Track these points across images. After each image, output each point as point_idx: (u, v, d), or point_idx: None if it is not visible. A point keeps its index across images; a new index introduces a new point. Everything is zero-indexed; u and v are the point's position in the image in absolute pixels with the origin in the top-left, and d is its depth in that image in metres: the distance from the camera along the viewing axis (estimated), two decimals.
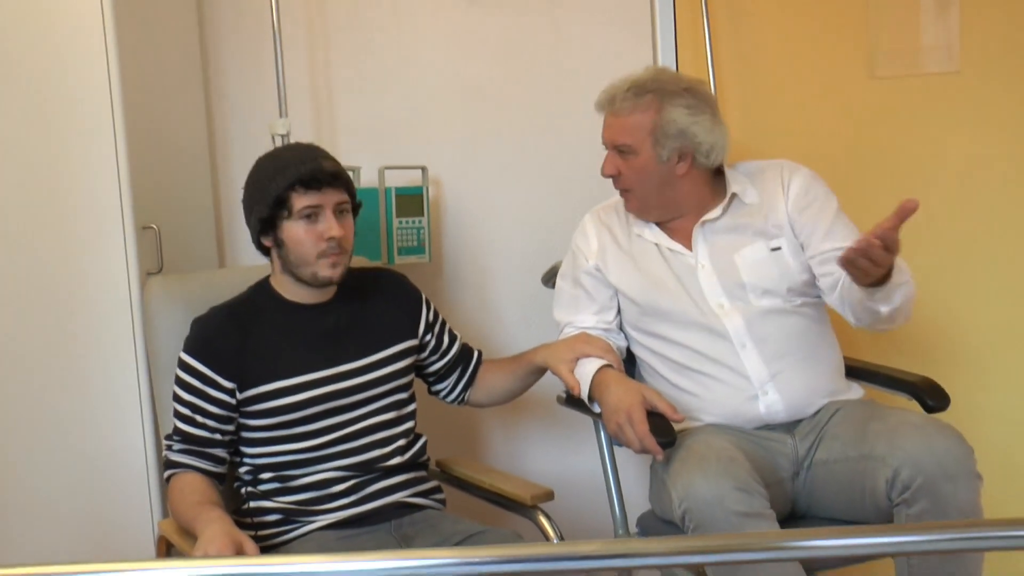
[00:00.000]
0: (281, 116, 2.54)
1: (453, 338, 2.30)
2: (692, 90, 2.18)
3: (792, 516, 2.14)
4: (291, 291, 2.10)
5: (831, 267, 2.13)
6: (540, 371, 2.27)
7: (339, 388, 2.06)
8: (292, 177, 1.98)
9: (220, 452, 2.04)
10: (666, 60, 2.72)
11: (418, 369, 2.26)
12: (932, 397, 2.14)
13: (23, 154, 2.20)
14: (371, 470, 2.08)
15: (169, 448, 2.04)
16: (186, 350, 2.04)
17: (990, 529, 1.48)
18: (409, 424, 2.18)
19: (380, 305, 2.18)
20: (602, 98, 2.22)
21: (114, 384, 2.24)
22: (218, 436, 2.02)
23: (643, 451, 2.02)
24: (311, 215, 1.99)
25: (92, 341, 2.25)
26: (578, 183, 2.63)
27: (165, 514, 2.24)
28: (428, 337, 2.24)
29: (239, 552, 1.81)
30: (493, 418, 2.82)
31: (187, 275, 2.33)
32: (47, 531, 2.28)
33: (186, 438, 2.02)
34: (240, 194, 2.12)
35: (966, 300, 2.81)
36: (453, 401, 2.34)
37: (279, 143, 2.48)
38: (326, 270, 2.02)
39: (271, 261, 2.10)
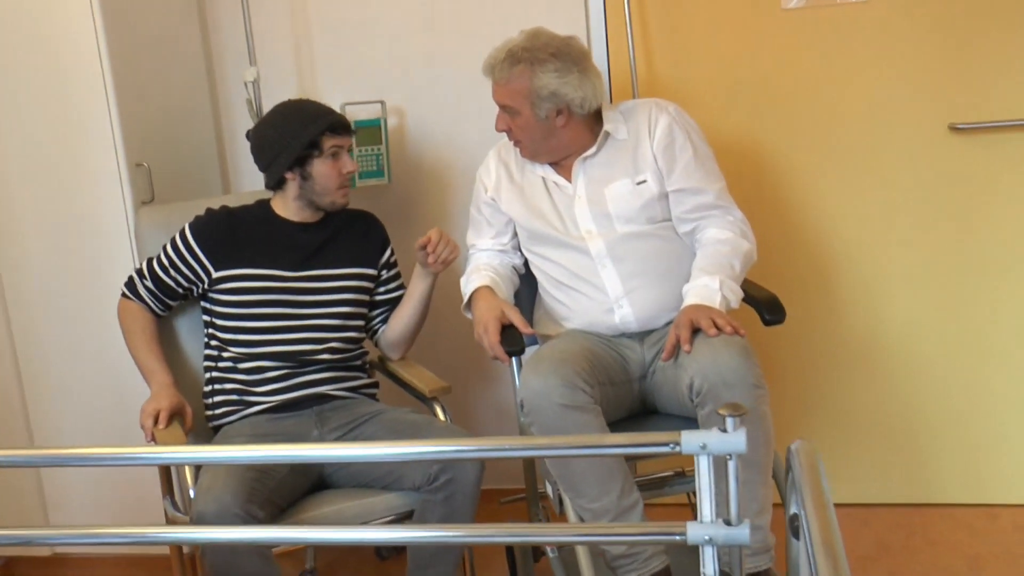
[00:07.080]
0: (251, 65, 2.89)
1: (400, 285, 2.69)
2: (559, 54, 2.39)
3: (644, 412, 2.48)
4: (290, 211, 2.58)
5: (685, 209, 2.46)
6: (426, 284, 2.61)
7: (293, 287, 2.53)
8: (325, 124, 2.49)
9: (171, 303, 2.58)
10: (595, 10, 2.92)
11: None
12: (770, 312, 2.38)
13: (40, 119, 2.75)
14: (298, 362, 2.53)
15: (140, 275, 2.56)
16: (189, 225, 2.56)
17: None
18: (351, 334, 2.59)
19: (352, 236, 2.63)
20: (484, 65, 2.47)
21: (117, 286, 2.69)
22: (180, 291, 2.55)
23: (496, 358, 2.38)
24: (335, 154, 2.51)
25: (102, 256, 2.82)
26: None
27: None
28: (383, 273, 2.66)
29: (180, 409, 2.41)
30: (439, 335, 3.11)
31: (172, 204, 2.82)
32: (76, 406, 2.92)
33: (155, 280, 2.54)
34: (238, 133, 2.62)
35: (867, 219, 2.94)
36: (372, 331, 2.71)
37: (251, 90, 2.88)
38: (341, 198, 2.56)
39: (282, 190, 2.56)
